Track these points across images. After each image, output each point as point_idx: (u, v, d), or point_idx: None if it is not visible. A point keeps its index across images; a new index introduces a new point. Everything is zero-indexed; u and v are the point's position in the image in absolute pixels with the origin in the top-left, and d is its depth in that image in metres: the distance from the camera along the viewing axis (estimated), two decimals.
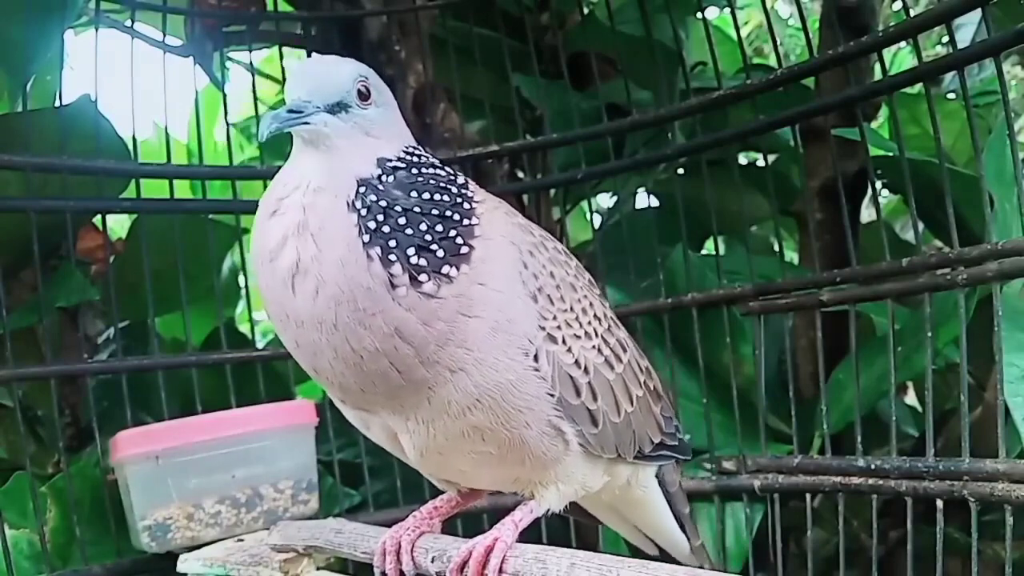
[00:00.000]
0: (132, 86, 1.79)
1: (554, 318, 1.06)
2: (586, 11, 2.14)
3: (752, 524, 1.73)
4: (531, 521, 1.13)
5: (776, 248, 1.84)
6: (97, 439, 1.67)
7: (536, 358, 1.04)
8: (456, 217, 1.00)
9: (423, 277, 0.96)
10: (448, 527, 1.22)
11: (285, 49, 2.12)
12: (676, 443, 1.27)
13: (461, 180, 1.05)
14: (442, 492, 1.25)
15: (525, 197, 2.43)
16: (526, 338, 1.03)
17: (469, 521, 1.69)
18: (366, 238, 0.95)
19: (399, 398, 1.02)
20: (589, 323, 1.12)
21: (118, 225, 2.44)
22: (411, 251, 0.96)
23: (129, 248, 2.01)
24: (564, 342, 1.07)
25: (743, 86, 1.68)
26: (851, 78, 1.67)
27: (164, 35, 1.93)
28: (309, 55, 2.07)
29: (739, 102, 1.71)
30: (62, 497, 1.66)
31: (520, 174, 2.44)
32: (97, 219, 1.97)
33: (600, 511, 1.36)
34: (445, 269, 0.97)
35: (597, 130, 1.91)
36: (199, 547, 1.56)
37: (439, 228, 0.98)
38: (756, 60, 3.40)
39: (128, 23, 1.89)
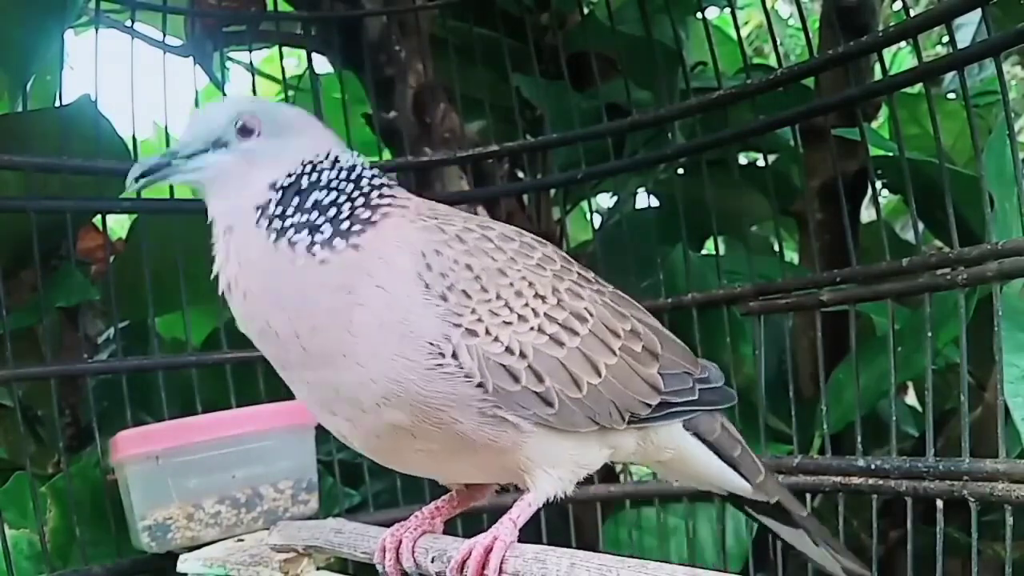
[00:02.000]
0: (132, 86, 1.79)
1: (472, 311, 1.06)
2: (586, 11, 2.14)
3: (752, 524, 1.73)
4: (531, 515, 1.12)
5: (776, 248, 1.84)
6: (97, 439, 1.67)
7: (456, 355, 1.04)
8: (346, 207, 1.07)
9: (315, 248, 1.04)
10: (448, 527, 1.22)
11: (285, 49, 2.12)
12: (694, 397, 1.22)
13: (361, 183, 1.10)
14: (444, 491, 1.25)
15: (525, 197, 2.44)
16: (428, 340, 1.03)
17: (469, 521, 1.69)
18: (272, 237, 1.05)
19: (308, 371, 1.06)
20: (525, 305, 1.10)
21: (118, 225, 2.44)
22: (304, 232, 1.05)
23: (129, 248, 2.01)
24: (488, 332, 1.06)
25: (743, 86, 1.68)
26: (851, 78, 1.67)
27: (164, 35, 1.94)
28: (309, 55, 2.10)
29: (739, 102, 1.71)
30: (62, 497, 1.66)
31: (520, 174, 2.44)
32: (97, 219, 1.98)
33: (657, 468, 1.36)
34: (335, 242, 1.05)
35: (597, 130, 1.91)
36: (199, 547, 1.56)
37: (330, 213, 1.06)
38: (756, 60, 3.40)
39: (128, 23, 1.89)
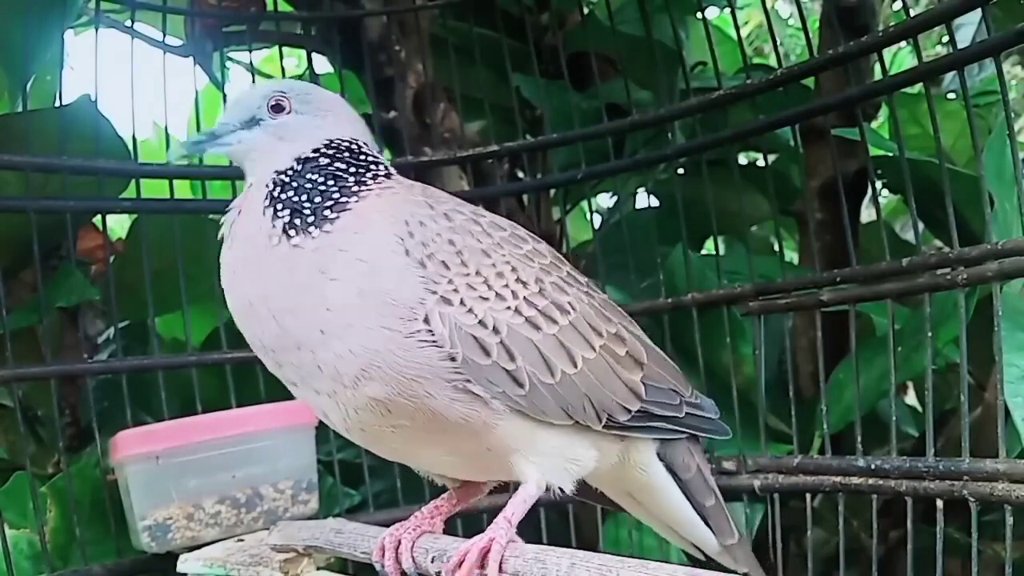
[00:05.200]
0: (132, 86, 1.79)
1: (449, 282, 1.08)
2: (586, 11, 2.14)
3: (752, 524, 1.73)
4: (526, 511, 1.11)
5: (776, 248, 1.84)
6: (97, 439, 1.67)
7: (428, 320, 1.06)
8: (335, 194, 1.12)
9: (292, 232, 1.09)
10: (449, 526, 1.22)
11: (285, 49, 2.12)
12: (679, 415, 1.22)
13: (368, 170, 1.16)
14: (444, 491, 1.25)
15: (525, 197, 2.44)
16: (406, 305, 1.06)
17: (469, 521, 1.69)
18: (266, 203, 1.12)
19: (287, 354, 1.09)
20: (505, 286, 1.12)
21: (118, 225, 2.44)
22: (286, 213, 1.11)
23: (129, 248, 2.00)
24: (463, 303, 1.08)
25: (743, 86, 1.68)
26: (851, 78, 1.67)
27: (164, 35, 1.93)
28: (309, 55, 2.10)
29: (739, 102, 1.70)
30: (62, 497, 1.66)
31: (520, 174, 2.44)
32: (97, 219, 1.98)
33: (625, 501, 1.34)
34: (311, 229, 1.09)
35: (597, 130, 1.91)
36: (199, 547, 1.56)
37: (317, 199, 1.11)
38: (756, 60, 3.40)
39: (128, 23, 1.89)
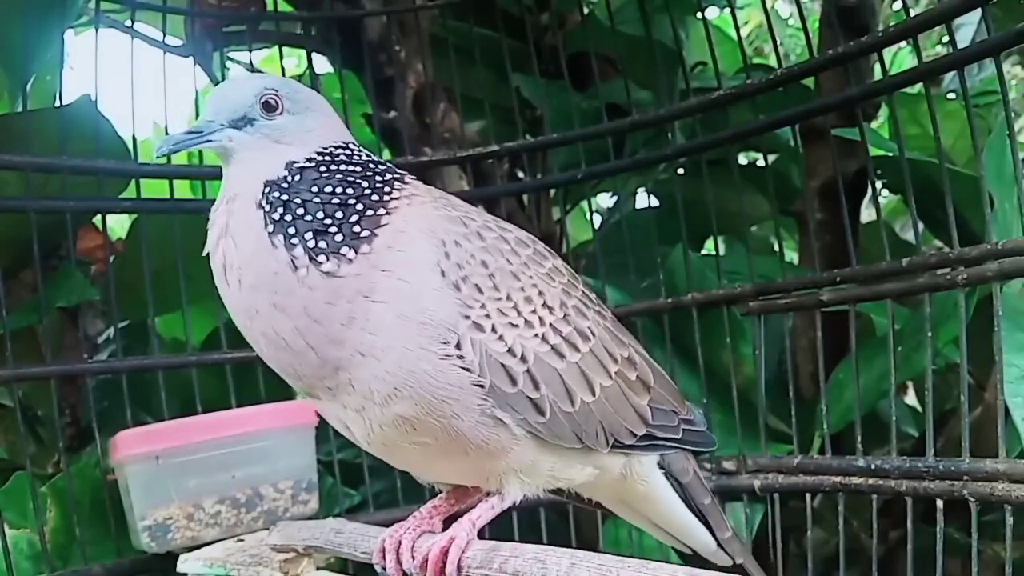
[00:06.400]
0: (132, 86, 1.79)
1: (482, 307, 1.06)
2: (586, 11, 2.14)
3: (752, 524, 1.73)
4: (491, 518, 1.12)
5: (776, 248, 1.84)
6: (97, 439, 1.67)
7: (459, 346, 1.04)
8: (359, 207, 1.05)
9: (322, 258, 1.02)
10: (448, 527, 1.22)
11: (285, 49, 2.12)
12: (677, 435, 1.24)
13: (384, 177, 1.09)
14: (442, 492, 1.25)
15: (525, 197, 2.44)
16: (443, 327, 1.04)
17: None
18: (270, 228, 1.03)
19: (325, 379, 1.05)
20: (533, 312, 1.11)
21: (118, 225, 2.44)
22: (309, 235, 1.02)
23: (129, 248, 2.00)
24: (494, 330, 1.07)
25: (743, 86, 1.68)
26: (851, 78, 1.67)
27: (164, 35, 1.93)
28: (309, 55, 2.10)
29: (739, 102, 1.70)
30: (62, 497, 1.66)
31: (520, 174, 2.44)
32: (97, 219, 1.98)
33: (619, 509, 1.35)
34: (344, 251, 1.02)
35: (597, 130, 1.91)
36: (199, 547, 1.56)
37: (339, 215, 1.04)
38: (756, 60, 3.40)
39: (128, 23, 1.89)
